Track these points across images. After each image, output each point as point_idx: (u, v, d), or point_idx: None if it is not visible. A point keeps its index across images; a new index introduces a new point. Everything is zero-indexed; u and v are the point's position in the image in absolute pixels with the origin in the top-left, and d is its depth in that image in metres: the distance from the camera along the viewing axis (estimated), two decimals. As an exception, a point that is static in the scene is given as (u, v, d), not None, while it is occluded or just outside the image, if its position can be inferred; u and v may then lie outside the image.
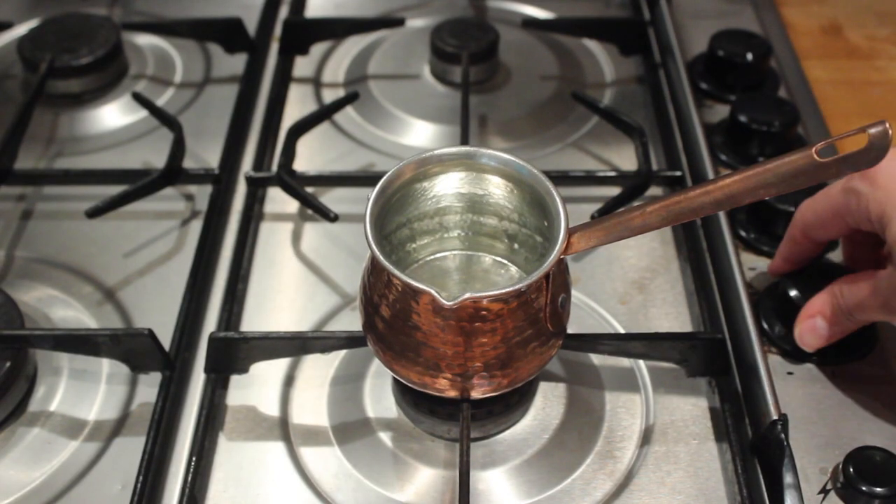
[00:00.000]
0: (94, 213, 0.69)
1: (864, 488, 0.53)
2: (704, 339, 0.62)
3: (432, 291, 0.47)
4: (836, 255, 0.69)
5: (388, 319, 0.53)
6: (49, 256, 0.72)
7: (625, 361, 0.64)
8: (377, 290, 0.53)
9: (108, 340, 0.61)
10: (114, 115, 0.85)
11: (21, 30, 0.93)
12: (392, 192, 0.54)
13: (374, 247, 0.49)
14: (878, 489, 0.53)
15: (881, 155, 0.44)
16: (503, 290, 0.48)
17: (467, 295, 0.47)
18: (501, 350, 0.52)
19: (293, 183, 0.72)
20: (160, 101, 0.85)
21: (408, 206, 0.57)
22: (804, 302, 0.61)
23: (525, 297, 0.51)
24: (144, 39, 0.93)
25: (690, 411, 0.61)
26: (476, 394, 0.54)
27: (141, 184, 0.71)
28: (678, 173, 0.76)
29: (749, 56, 0.83)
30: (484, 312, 0.50)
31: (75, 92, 0.85)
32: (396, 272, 0.49)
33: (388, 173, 0.53)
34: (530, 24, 0.92)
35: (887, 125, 0.43)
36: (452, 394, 0.54)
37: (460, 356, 0.51)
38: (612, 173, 0.76)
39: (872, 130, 0.43)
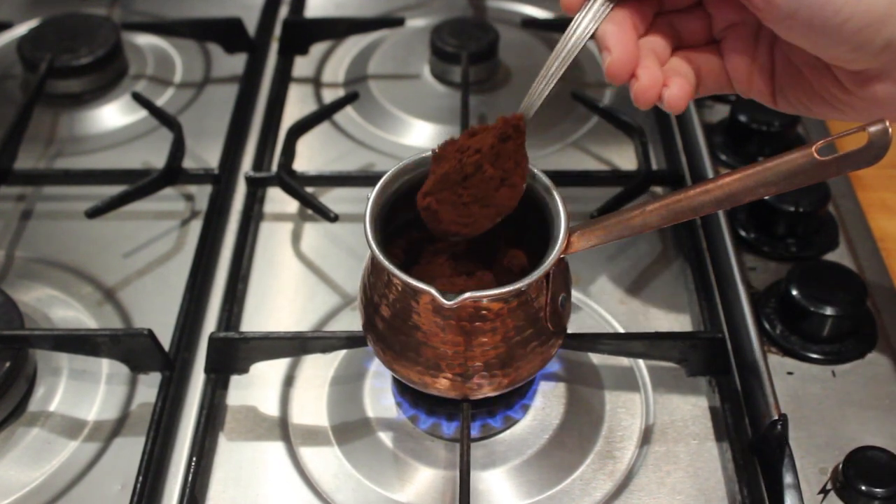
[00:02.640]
0: (94, 213, 0.69)
1: (863, 489, 0.53)
2: (704, 339, 0.62)
3: (432, 291, 0.47)
4: (837, 256, 0.69)
5: (389, 319, 0.52)
6: (49, 256, 0.72)
7: (625, 361, 0.64)
8: (377, 290, 0.53)
9: (107, 340, 0.61)
10: (114, 115, 0.85)
11: (21, 30, 0.93)
12: (392, 192, 0.54)
13: (374, 246, 0.49)
14: (878, 490, 0.53)
15: (881, 153, 0.44)
16: (503, 290, 0.48)
17: (467, 294, 0.47)
18: (502, 349, 0.51)
19: (293, 183, 0.72)
20: (160, 101, 0.85)
21: (408, 206, 0.56)
22: (805, 301, 0.61)
23: (525, 296, 0.51)
24: (144, 39, 0.93)
25: (690, 411, 0.61)
26: (476, 394, 0.54)
27: (141, 184, 0.71)
28: (678, 173, 0.76)
29: (749, 56, 0.82)
30: (484, 312, 0.50)
31: (75, 92, 0.85)
32: (397, 272, 0.49)
33: (388, 173, 0.53)
34: (530, 24, 0.92)
35: (887, 123, 0.43)
36: (452, 394, 0.54)
37: (460, 356, 0.51)
38: (612, 173, 0.76)
39: (872, 129, 0.43)
